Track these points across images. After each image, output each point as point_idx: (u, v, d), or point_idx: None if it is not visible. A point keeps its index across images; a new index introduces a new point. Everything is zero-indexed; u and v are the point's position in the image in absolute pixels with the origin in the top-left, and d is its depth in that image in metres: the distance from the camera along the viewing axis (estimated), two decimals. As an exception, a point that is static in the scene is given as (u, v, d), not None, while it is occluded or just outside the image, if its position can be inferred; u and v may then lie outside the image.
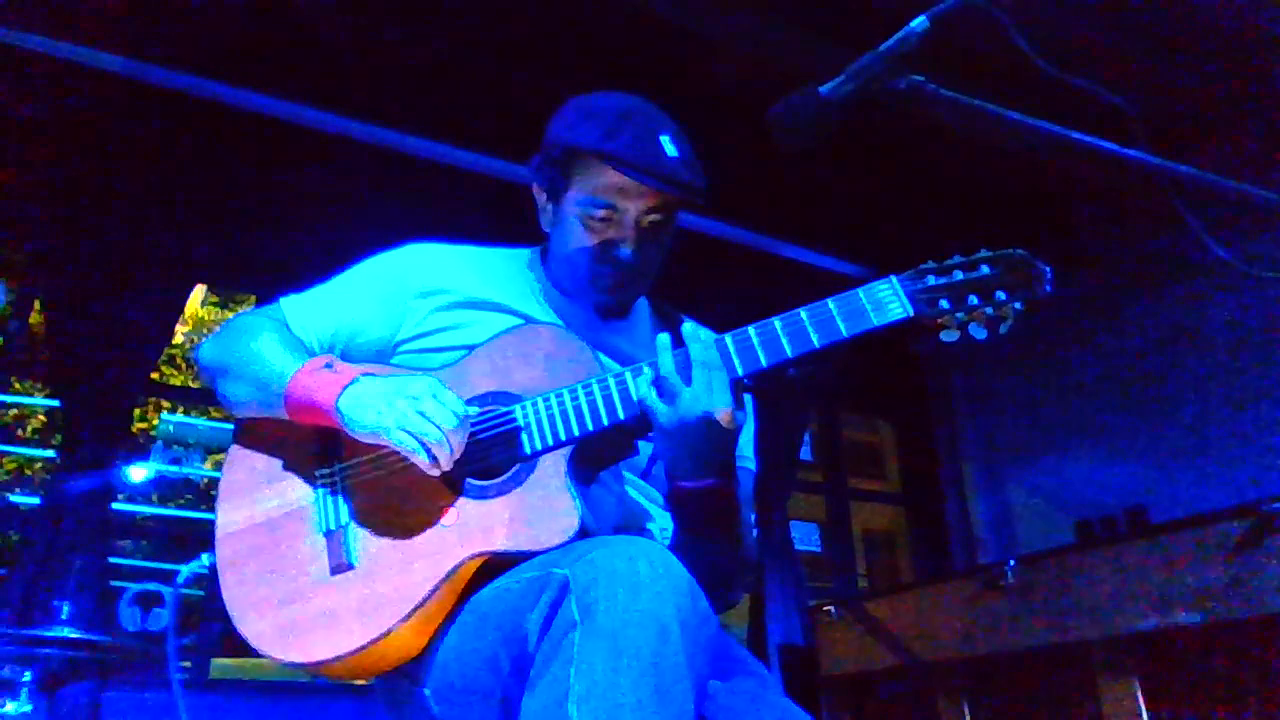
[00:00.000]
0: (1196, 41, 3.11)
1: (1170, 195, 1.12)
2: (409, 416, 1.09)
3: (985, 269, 1.12)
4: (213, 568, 1.22)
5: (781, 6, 3.05)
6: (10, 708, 2.09)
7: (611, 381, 1.17)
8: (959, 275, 1.12)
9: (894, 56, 1.13)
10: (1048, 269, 1.11)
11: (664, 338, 1.14)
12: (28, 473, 11.12)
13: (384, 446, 1.13)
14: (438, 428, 1.09)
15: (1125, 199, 3.80)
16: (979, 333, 1.11)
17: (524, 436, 1.17)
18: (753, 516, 1.37)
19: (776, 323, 1.14)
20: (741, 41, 3.16)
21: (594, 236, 1.30)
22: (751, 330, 1.15)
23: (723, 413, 1.09)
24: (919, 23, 1.12)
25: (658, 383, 1.13)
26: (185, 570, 1.38)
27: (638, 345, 1.39)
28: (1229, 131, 3.38)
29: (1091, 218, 4.17)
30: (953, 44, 1.20)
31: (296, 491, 1.22)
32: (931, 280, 1.12)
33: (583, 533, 1.09)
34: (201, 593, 3.39)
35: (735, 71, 3.24)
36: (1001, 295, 1.10)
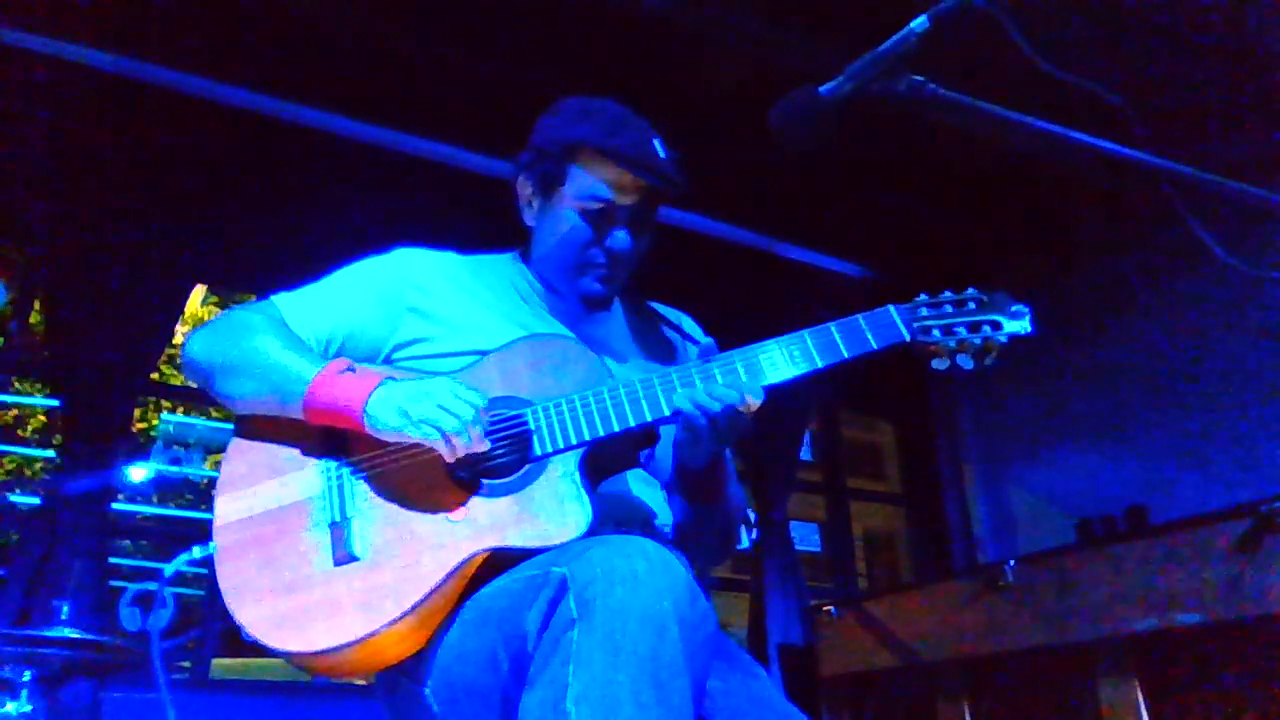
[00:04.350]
0: (1196, 41, 3.11)
1: (1170, 195, 1.13)
2: (430, 410, 1.13)
3: (973, 305, 1.21)
4: (208, 559, 1.22)
5: (781, 6, 3.05)
6: (10, 708, 2.09)
7: (622, 391, 1.20)
8: (949, 309, 1.20)
9: (894, 56, 1.14)
10: (1027, 309, 1.19)
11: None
12: (28, 473, 11.11)
13: (396, 442, 1.17)
14: (457, 418, 1.12)
15: (1125, 199, 3.80)
16: (966, 363, 1.20)
17: (535, 439, 1.20)
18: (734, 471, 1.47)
19: (781, 342, 1.22)
20: (741, 41, 3.16)
21: (589, 226, 1.36)
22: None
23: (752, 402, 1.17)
24: (919, 23, 1.13)
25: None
26: (171, 566, 1.37)
27: (615, 337, 1.47)
28: (1229, 132, 3.37)
29: (1091, 218, 4.16)
30: (953, 44, 1.20)
31: (300, 484, 1.22)
32: (925, 311, 1.21)
33: (589, 530, 1.11)
34: (201, 592, 3.39)
35: (735, 71, 3.23)
36: (987, 330, 1.19)
